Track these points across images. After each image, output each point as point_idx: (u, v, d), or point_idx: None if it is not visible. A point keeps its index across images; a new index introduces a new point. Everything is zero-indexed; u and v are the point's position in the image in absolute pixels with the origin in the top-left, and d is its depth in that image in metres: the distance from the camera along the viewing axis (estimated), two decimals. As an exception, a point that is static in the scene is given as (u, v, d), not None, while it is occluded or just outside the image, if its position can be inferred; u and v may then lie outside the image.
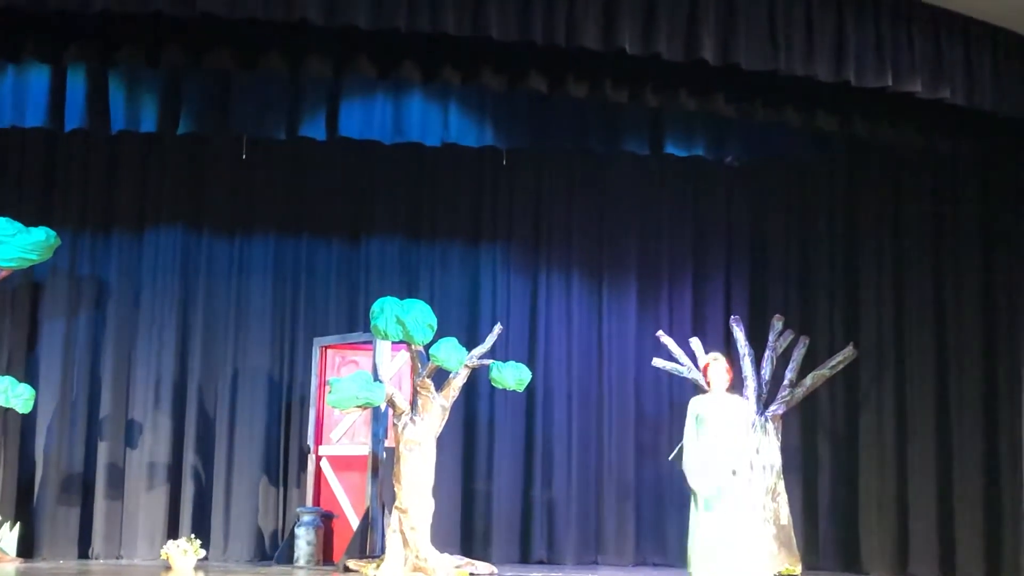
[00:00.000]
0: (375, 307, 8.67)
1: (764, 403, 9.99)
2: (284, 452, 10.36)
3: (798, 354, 10.08)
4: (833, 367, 10.03)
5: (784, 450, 10.03)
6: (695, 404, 7.38)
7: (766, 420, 9.89)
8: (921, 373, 10.09)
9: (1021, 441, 8.87)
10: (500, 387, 9.20)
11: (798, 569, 9.70)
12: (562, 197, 11.06)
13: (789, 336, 10.15)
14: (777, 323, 10.17)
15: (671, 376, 10.50)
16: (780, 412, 9.94)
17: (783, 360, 10.10)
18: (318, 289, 10.64)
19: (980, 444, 9.64)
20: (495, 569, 8.99)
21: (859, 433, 10.35)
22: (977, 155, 9.64)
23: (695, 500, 7.16)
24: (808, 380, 10.00)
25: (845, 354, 10.07)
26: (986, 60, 8.62)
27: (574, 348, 10.88)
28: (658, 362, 10.28)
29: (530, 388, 9.74)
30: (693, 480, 7.15)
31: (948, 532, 9.72)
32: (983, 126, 9.14)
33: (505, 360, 9.22)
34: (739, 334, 10.15)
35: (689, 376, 10.15)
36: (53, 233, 9.48)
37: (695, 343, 10.20)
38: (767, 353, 10.08)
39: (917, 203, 10.36)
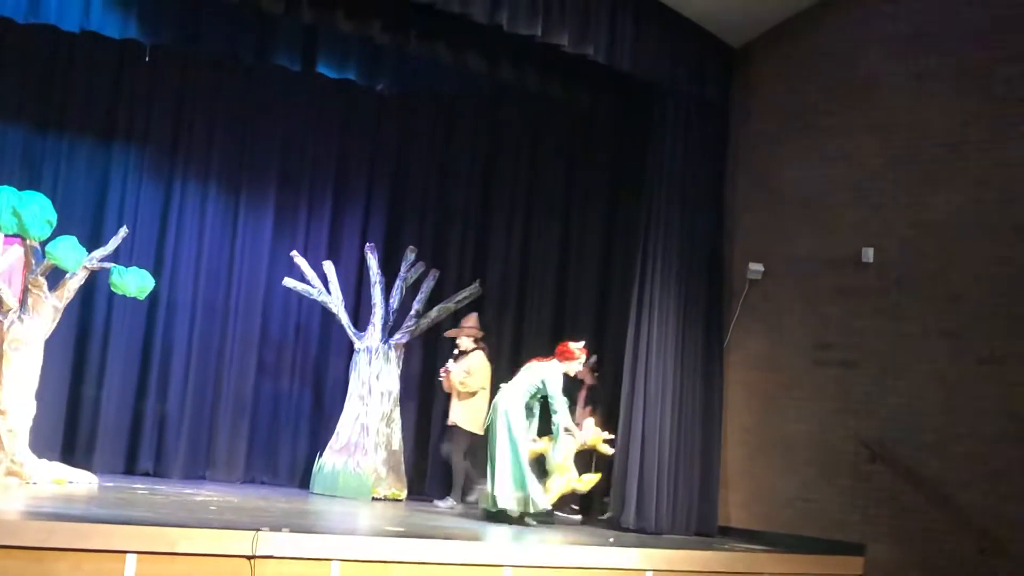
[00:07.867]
0: (-10, 196, 8.09)
1: (389, 331, 10.15)
2: None
3: (427, 286, 10.31)
4: (459, 302, 10.33)
5: (404, 378, 10.26)
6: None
7: (389, 348, 10.06)
8: (539, 312, 10.65)
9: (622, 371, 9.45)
10: (120, 293, 8.84)
11: (403, 494, 9.95)
12: (205, 104, 10.60)
13: (421, 268, 10.35)
14: (410, 254, 10.33)
15: (300, 298, 10.47)
16: (404, 341, 10.14)
17: (412, 291, 10.30)
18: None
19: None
20: (95, 478, 8.66)
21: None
22: (613, 111, 10.13)
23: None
24: (434, 312, 10.26)
25: (471, 290, 10.40)
26: (628, 23, 9.05)
27: (204, 260, 10.53)
28: (289, 282, 10.22)
29: (153, 297, 9.40)
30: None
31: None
32: (621, 85, 9.62)
33: (129, 266, 8.88)
34: (372, 261, 10.24)
35: (319, 299, 10.16)
36: None
37: (328, 266, 10.21)
38: (397, 282, 10.25)
39: (554, 150, 10.84)
